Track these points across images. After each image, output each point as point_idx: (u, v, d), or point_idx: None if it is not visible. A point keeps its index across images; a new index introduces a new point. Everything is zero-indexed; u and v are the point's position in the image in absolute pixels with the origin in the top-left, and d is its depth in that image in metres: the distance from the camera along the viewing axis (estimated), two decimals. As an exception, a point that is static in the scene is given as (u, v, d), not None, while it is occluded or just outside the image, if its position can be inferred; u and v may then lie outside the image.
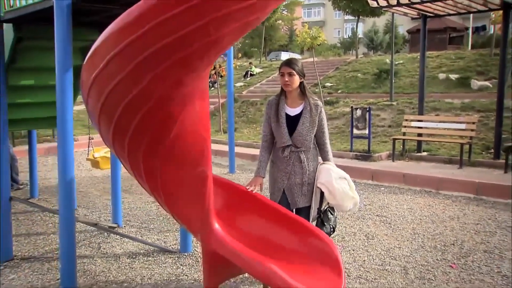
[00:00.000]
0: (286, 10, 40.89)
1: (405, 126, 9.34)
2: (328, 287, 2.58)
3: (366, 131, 9.14)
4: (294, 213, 3.20)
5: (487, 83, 12.97)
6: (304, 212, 3.27)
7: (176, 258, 4.26)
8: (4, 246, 4.29)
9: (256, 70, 22.03)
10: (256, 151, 9.79)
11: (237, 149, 9.44)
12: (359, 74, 16.79)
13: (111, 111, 2.37)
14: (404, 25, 36.47)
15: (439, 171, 7.60)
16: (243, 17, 2.10)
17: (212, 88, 17.80)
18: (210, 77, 12.06)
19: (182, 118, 2.43)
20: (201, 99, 2.52)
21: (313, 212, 3.30)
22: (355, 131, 9.36)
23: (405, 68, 16.29)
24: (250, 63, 23.96)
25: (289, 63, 3.22)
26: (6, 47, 4.44)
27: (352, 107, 9.65)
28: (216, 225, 2.80)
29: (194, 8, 1.95)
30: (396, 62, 15.94)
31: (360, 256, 4.30)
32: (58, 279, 3.79)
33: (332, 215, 3.36)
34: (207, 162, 2.66)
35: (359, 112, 9.31)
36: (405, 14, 9.36)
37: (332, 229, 3.33)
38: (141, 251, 4.46)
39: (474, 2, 8.14)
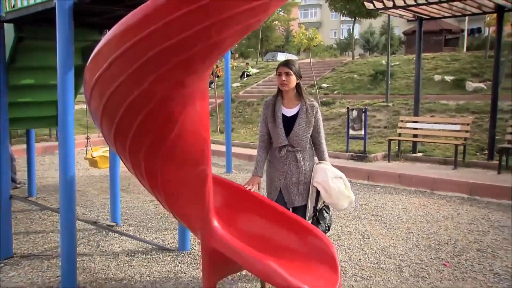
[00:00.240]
0: (282, 11, 40.96)
1: (400, 127, 9.43)
2: (325, 284, 2.64)
3: (362, 132, 9.22)
4: (291, 212, 3.27)
5: (481, 85, 13.10)
6: (300, 210, 3.34)
7: (175, 256, 4.32)
8: (4, 244, 4.34)
9: (253, 70, 22.10)
10: (253, 151, 9.88)
11: (234, 149, 9.50)
12: (355, 75, 16.89)
13: (113, 112, 2.41)
14: (400, 26, 36.63)
15: (434, 171, 7.69)
16: (245, 20, 2.13)
17: (209, 89, 17.84)
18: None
19: (183, 118, 2.47)
20: (202, 99, 2.56)
21: (309, 211, 3.37)
22: (351, 132, 9.44)
23: (401, 69, 16.41)
24: (246, 63, 24.05)
25: (287, 63, 3.30)
26: (7, 47, 4.48)
27: (348, 108, 9.73)
28: (216, 223, 2.86)
29: (197, 11, 1.98)
30: (392, 64, 16.05)
31: (355, 255, 4.37)
32: (58, 276, 3.85)
33: (328, 213, 3.43)
34: (207, 161, 2.71)
35: (355, 113, 9.39)
36: (401, 16, 9.46)
37: (327, 227, 3.40)
38: (140, 249, 4.51)
39: (469, 5, 8.25)
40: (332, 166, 3.38)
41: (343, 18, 38.22)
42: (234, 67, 23.13)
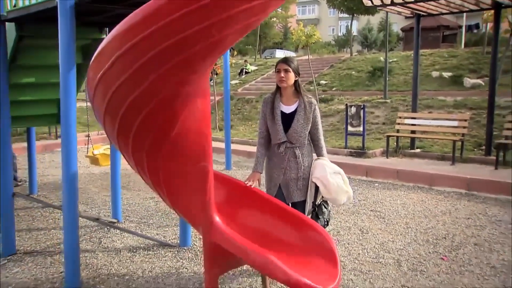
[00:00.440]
0: (280, 8, 40.88)
1: (398, 123, 9.49)
2: (325, 278, 2.68)
3: (361, 128, 9.27)
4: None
5: (479, 81, 13.16)
6: (299, 206, 3.39)
7: (176, 252, 4.37)
8: (7, 240, 4.39)
9: (251, 67, 22.10)
10: (252, 148, 9.93)
11: (233, 146, 9.55)
12: (353, 72, 16.93)
13: (116, 110, 2.45)
14: (398, 23, 36.65)
15: (432, 167, 7.75)
16: (245, 19, 2.16)
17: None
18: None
19: (184, 116, 2.50)
20: (202, 96, 2.58)
21: (309, 206, 3.42)
22: (350, 128, 9.49)
23: (399, 66, 16.45)
24: (245, 60, 24.04)
25: (286, 60, 3.34)
26: (8, 46, 4.51)
27: (346, 104, 9.78)
28: (217, 218, 2.90)
29: (198, 10, 2.00)
30: (390, 60, 16.09)
31: (355, 250, 4.43)
32: (61, 272, 3.90)
33: (326, 208, 3.48)
34: (208, 157, 2.75)
35: (353, 110, 9.44)
36: (399, 13, 9.50)
37: (326, 222, 3.45)
38: (141, 246, 4.56)
39: (466, 1, 8.29)
40: (331, 162, 3.44)
41: (341, 15, 38.17)
42: (233, 65, 23.14)
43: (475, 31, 28.96)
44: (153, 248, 4.49)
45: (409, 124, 9.41)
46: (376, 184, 7.30)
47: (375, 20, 34.94)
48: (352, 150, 9.27)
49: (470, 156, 8.44)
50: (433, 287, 3.62)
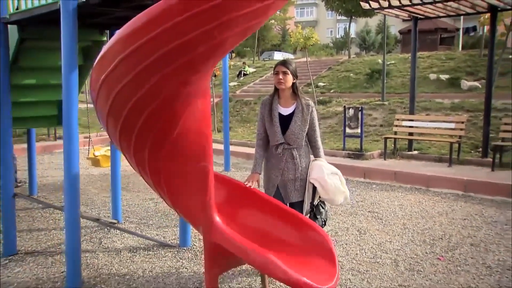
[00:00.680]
0: (279, 10, 40.96)
1: (396, 126, 9.55)
2: (323, 277, 2.73)
3: (359, 130, 9.33)
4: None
5: (476, 83, 13.23)
6: (297, 206, 3.43)
7: (176, 252, 4.42)
8: (8, 241, 4.42)
9: (250, 69, 22.16)
10: (250, 150, 9.97)
11: (232, 148, 9.61)
12: (351, 74, 17.00)
13: (119, 112, 2.48)
14: (396, 25, 36.71)
15: (429, 169, 7.81)
16: (246, 22, 2.20)
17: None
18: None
19: (185, 116, 2.54)
20: (203, 97, 2.63)
21: (306, 206, 3.47)
22: (348, 130, 9.55)
23: (396, 68, 16.53)
24: (243, 62, 24.08)
25: (284, 62, 3.40)
26: (10, 48, 4.55)
27: (344, 106, 9.83)
28: (217, 218, 2.94)
29: (209, 11, 2.03)
30: (388, 63, 16.17)
31: (352, 250, 4.48)
32: (62, 272, 3.94)
33: (324, 209, 3.53)
34: (208, 157, 2.79)
35: (351, 112, 9.49)
36: (397, 16, 9.57)
37: (323, 222, 3.50)
38: (142, 246, 4.61)
39: (463, 5, 8.37)
40: (328, 163, 3.49)
41: (339, 17, 38.39)
42: (231, 67, 23.20)
43: (472, 33, 29.14)
44: (153, 249, 4.53)
45: (406, 126, 9.47)
46: (374, 186, 7.35)
47: (373, 22, 35.12)
48: (350, 152, 9.32)
49: (467, 158, 8.51)
50: (429, 286, 3.68)
